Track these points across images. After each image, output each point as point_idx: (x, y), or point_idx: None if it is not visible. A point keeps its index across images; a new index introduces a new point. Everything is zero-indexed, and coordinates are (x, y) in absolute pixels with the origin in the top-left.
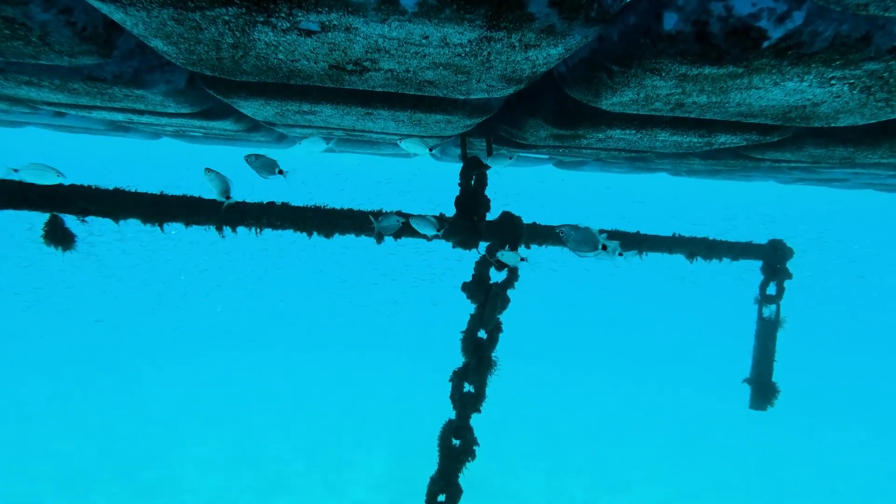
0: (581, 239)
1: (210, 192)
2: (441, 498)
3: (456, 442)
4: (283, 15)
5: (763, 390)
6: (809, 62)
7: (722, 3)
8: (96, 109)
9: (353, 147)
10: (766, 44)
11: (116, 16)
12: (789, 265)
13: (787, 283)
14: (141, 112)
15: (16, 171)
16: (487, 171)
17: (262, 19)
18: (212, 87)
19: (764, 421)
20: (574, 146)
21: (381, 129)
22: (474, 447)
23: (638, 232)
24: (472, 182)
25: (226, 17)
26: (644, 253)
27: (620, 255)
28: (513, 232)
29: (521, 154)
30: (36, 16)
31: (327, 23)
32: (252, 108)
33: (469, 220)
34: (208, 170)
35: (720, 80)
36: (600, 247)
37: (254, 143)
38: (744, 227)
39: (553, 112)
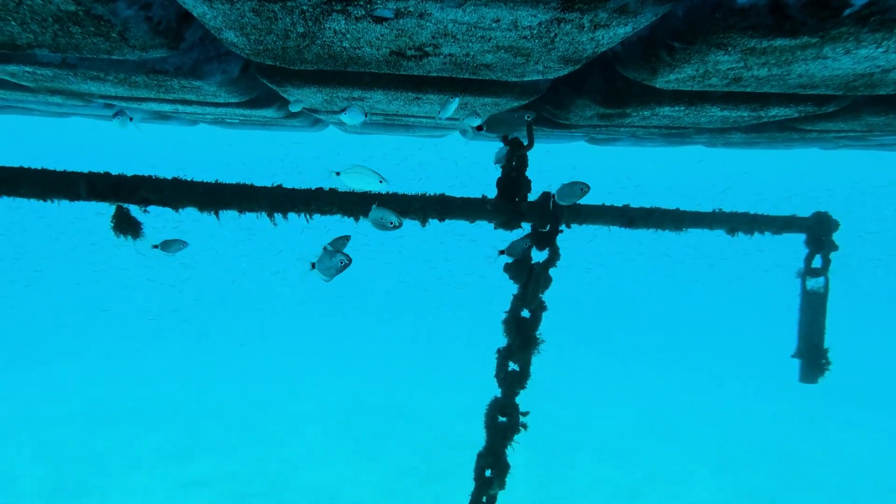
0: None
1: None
2: (488, 473)
3: (502, 419)
4: (361, 3)
5: (812, 362)
6: (893, 27)
7: None
8: (149, 101)
9: (385, 130)
10: (847, 11)
11: (198, 10)
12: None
13: (832, 256)
14: (190, 102)
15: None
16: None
17: (339, 7)
18: (267, 75)
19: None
20: (617, 125)
21: (426, 112)
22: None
23: (678, 209)
24: (514, 163)
25: (304, 7)
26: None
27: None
28: (553, 212)
29: (557, 133)
30: (121, 12)
31: (403, 9)
32: (301, 95)
33: (511, 201)
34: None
35: (788, 51)
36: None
37: (289, 128)
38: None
39: (601, 91)
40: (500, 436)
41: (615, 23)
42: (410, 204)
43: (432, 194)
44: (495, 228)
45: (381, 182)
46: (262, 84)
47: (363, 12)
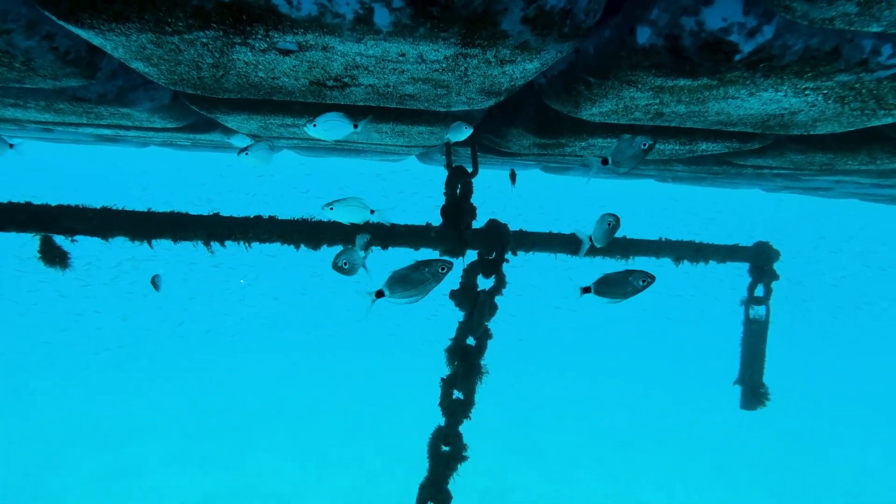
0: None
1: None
2: None
3: (445, 448)
4: (259, 36)
5: (753, 391)
6: (782, 74)
7: (693, 17)
8: (83, 126)
9: (338, 154)
10: (737, 57)
11: (96, 41)
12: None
13: (774, 285)
14: (127, 127)
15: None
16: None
17: (239, 41)
18: (195, 103)
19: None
20: (558, 154)
21: (366, 139)
22: (464, 453)
23: (624, 237)
24: (458, 190)
25: (204, 40)
26: (631, 258)
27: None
28: (500, 239)
29: (508, 162)
30: (19, 43)
31: (304, 43)
32: (236, 123)
33: (455, 229)
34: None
35: (696, 91)
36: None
37: None
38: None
39: (534, 121)
40: (442, 465)
41: (520, 58)
42: (354, 232)
43: (375, 222)
44: (441, 255)
45: (371, 213)
46: (195, 109)
47: (266, 45)
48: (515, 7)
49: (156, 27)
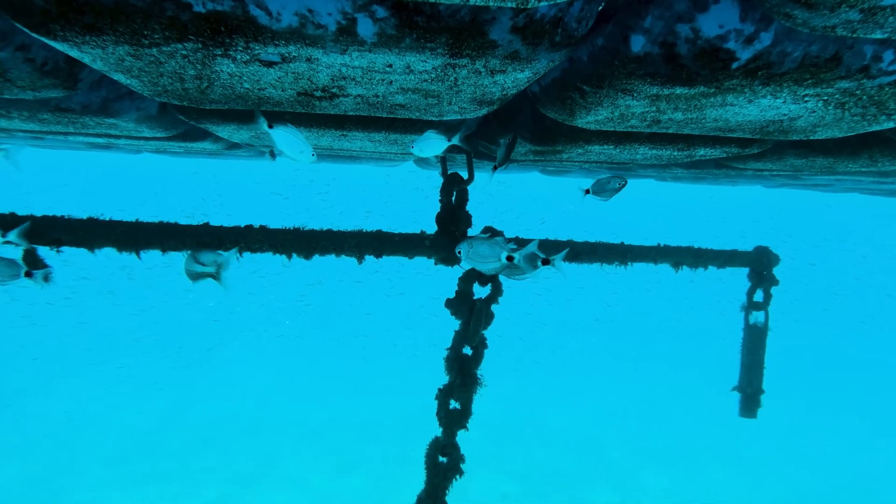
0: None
1: None
2: None
3: (443, 459)
4: (240, 48)
5: (752, 398)
6: (781, 81)
7: (688, 24)
8: (71, 135)
9: (334, 161)
10: (735, 65)
11: (73, 53)
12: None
13: (774, 290)
14: (117, 136)
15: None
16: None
17: (220, 52)
18: (183, 113)
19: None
20: (555, 160)
21: (359, 147)
22: (461, 464)
23: (622, 243)
24: (453, 198)
25: (183, 52)
26: (629, 264)
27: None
28: None
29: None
30: None
31: (287, 54)
32: (227, 133)
33: (451, 236)
34: None
35: (693, 98)
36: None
37: (239, 157)
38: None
39: (529, 129)
40: (440, 476)
41: (510, 68)
42: (345, 241)
43: (368, 230)
44: (435, 264)
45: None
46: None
47: (248, 57)
48: (504, 16)
49: (132, 39)
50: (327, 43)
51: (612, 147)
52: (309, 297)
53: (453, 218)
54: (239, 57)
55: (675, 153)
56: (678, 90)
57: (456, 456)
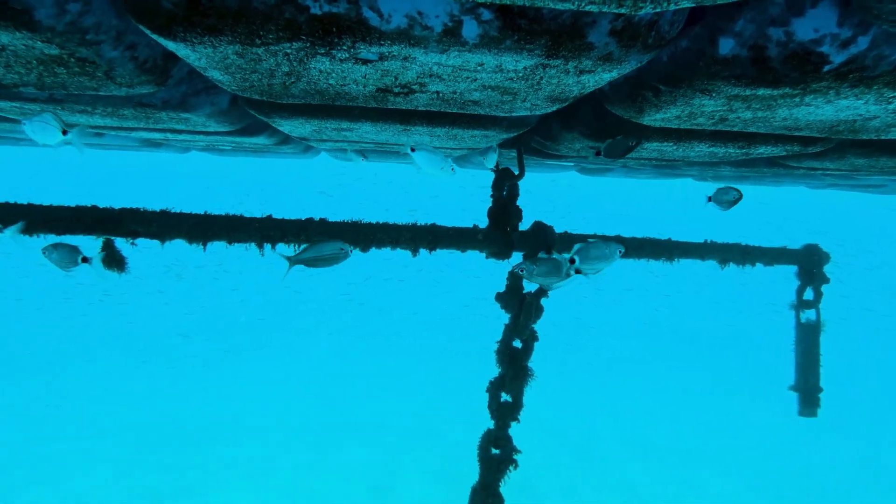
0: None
1: None
2: None
3: (495, 451)
4: (344, 47)
5: (810, 396)
6: (871, 84)
7: (782, 28)
8: (138, 130)
9: (378, 158)
10: (826, 68)
11: (182, 52)
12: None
13: (824, 288)
14: (180, 131)
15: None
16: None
17: (323, 51)
18: (254, 107)
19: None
20: (612, 159)
21: (415, 143)
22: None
23: (669, 239)
24: (504, 192)
25: (288, 51)
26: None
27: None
28: (545, 241)
29: (548, 163)
30: (106, 53)
31: (386, 53)
32: (290, 127)
33: (502, 231)
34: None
35: (770, 98)
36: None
37: (281, 155)
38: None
39: (590, 126)
40: (493, 469)
41: (600, 69)
42: (401, 234)
43: (423, 224)
44: (487, 258)
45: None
46: (252, 114)
47: (347, 55)
48: (604, 19)
49: (246, 39)
50: (430, 43)
51: (671, 144)
52: (353, 294)
53: (505, 212)
54: (339, 55)
55: (733, 151)
56: (761, 91)
57: (509, 448)
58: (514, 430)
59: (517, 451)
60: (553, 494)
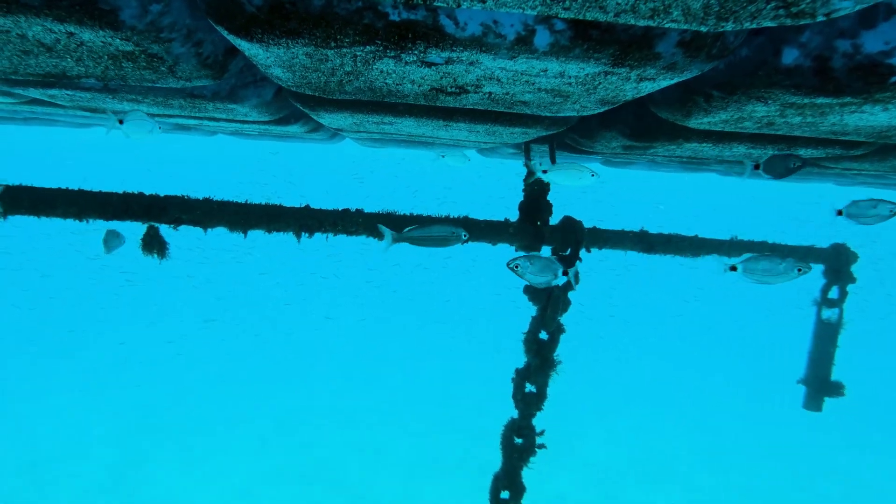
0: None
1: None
2: (504, 495)
3: (519, 440)
4: (416, 52)
5: (818, 392)
6: None
7: (850, 40)
8: (177, 117)
9: (402, 146)
10: (894, 79)
11: (253, 51)
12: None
13: (850, 288)
14: (218, 119)
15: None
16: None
17: (393, 55)
18: (301, 101)
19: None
20: (638, 155)
21: (452, 137)
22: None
23: (696, 236)
24: (535, 187)
25: (358, 53)
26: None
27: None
28: (574, 235)
29: (574, 156)
30: (174, 50)
31: (453, 58)
32: (330, 119)
33: (533, 225)
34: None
35: (827, 107)
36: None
37: (307, 141)
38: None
39: (630, 126)
40: (516, 457)
41: (661, 77)
42: (434, 225)
43: (456, 216)
44: (517, 251)
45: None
46: (291, 104)
47: (415, 58)
48: (674, 31)
49: (322, 42)
50: (500, 51)
51: (709, 145)
52: (378, 282)
53: (536, 206)
54: (407, 58)
55: (772, 152)
56: (820, 100)
57: (532, 437)
58: (538, 420)
59: (542, 447)
60: (572, 492)
